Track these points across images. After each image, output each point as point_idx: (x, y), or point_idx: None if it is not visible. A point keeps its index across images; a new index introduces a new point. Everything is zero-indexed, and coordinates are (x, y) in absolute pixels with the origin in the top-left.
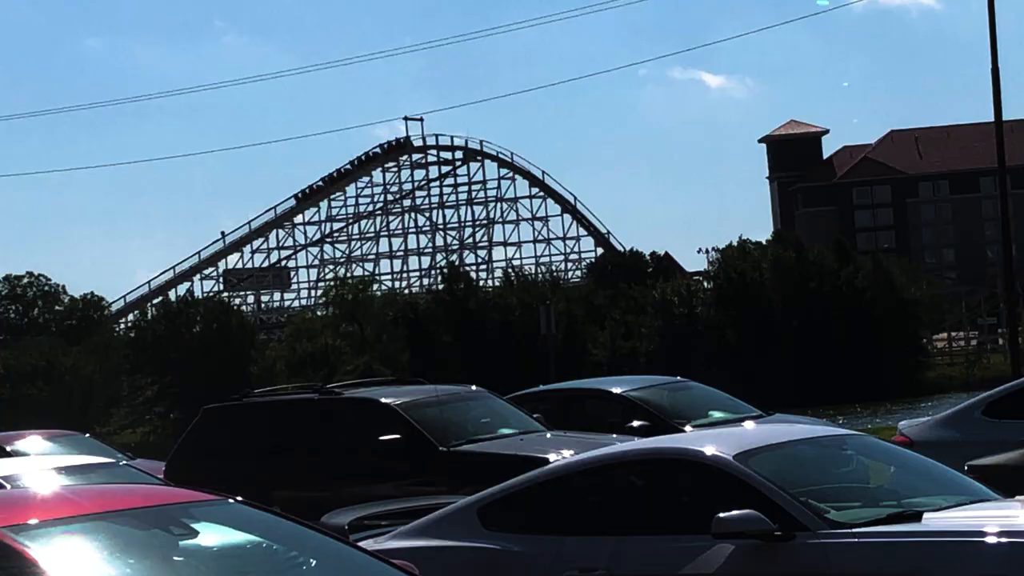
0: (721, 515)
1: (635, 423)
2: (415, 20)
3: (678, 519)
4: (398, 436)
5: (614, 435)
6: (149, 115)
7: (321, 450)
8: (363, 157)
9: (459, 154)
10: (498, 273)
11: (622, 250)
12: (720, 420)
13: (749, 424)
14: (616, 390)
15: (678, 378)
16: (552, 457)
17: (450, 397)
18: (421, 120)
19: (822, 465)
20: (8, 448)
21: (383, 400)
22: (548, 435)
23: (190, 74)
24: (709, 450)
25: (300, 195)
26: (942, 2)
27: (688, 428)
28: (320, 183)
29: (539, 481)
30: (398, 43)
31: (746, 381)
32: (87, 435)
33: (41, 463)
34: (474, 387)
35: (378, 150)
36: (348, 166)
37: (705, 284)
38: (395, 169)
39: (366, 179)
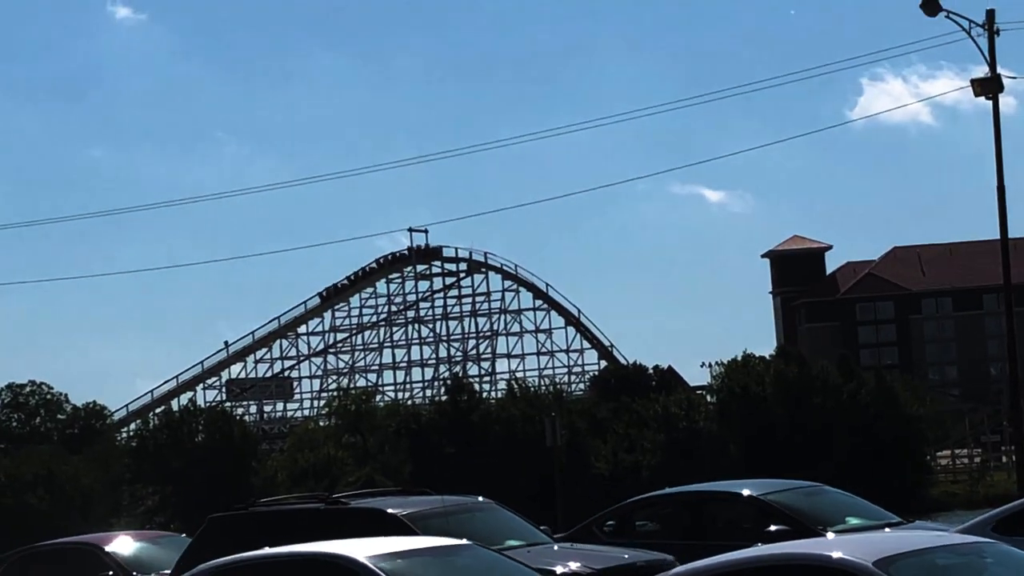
0: None
1: (773, 528)
2: (415, 133)
3: None
4: None
5: (623, 550)
6: (151, 224)
7: None
8: (368, 268)
9: (463, 265)
10: (502, 385)
11: (625, 363)
12: (859, 526)
13: (887, 531)
14: (747, 493)
15: (812, 483)
16: (559, 570)
17: (456, 508)
18: (426, 231)
19: (961, 574)
20: (106, 548)
21: (390, 511)
22: (555, 547)
23: (191, 184)
24: (848, 556)
25: (324, 293)
26: (940, 120)
27: (830, 534)
28: (324, 293)
29: None
30: (398, 155)
31: None
32: (183, 535)
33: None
34: (480, 498)
35: (381, 261)
36: (351, 277)
37: (708, 398)
38: (399, 280)
39: (370, 290)
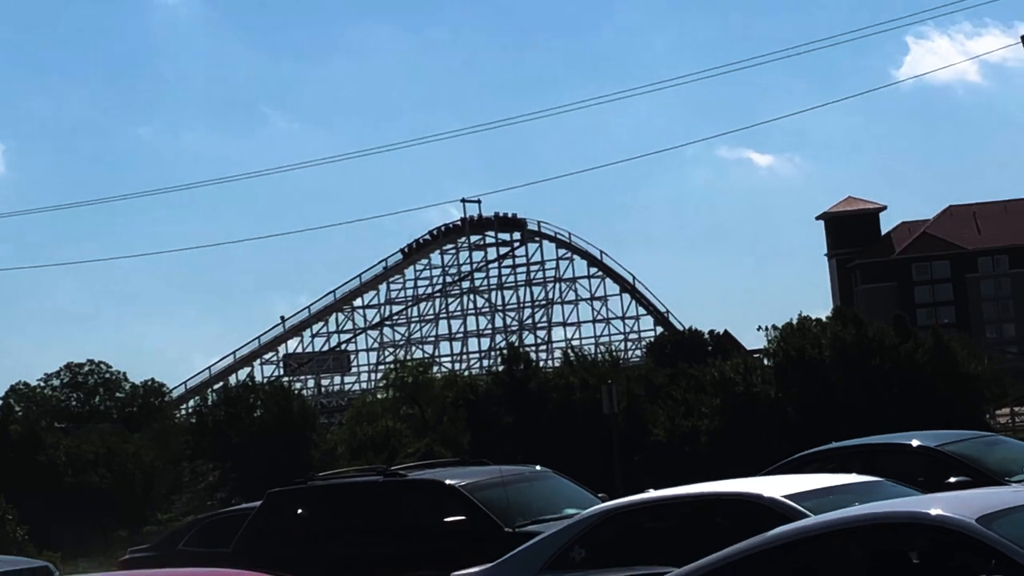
0: None
1: (953, 479)
2: (463, 104)
3: None
4: (464, 518)
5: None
6: (201, 201)
7: (386, 532)
8: (423, 239)
9: (517, 235)
10: (557, 354)
11: (681, 329)
12: None
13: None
14: (922, 444)
15: (987, 432)
16: None
17: (514, 478)
18: (479, 202)
19: None
20: None
21: (448, 482)
22: None
23: (239, 160)
24: (949, 513)
25: (406, 249)
26: (988, 79)
27: (1013, 485)
28: (406, 249)
29: (761, 548)
30: (446, 127)
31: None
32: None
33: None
34: (538, 467)
35: (435, 232)
36: (405, 250)
37: (765, 362)
38: (453, 251)
39: (424, 261)
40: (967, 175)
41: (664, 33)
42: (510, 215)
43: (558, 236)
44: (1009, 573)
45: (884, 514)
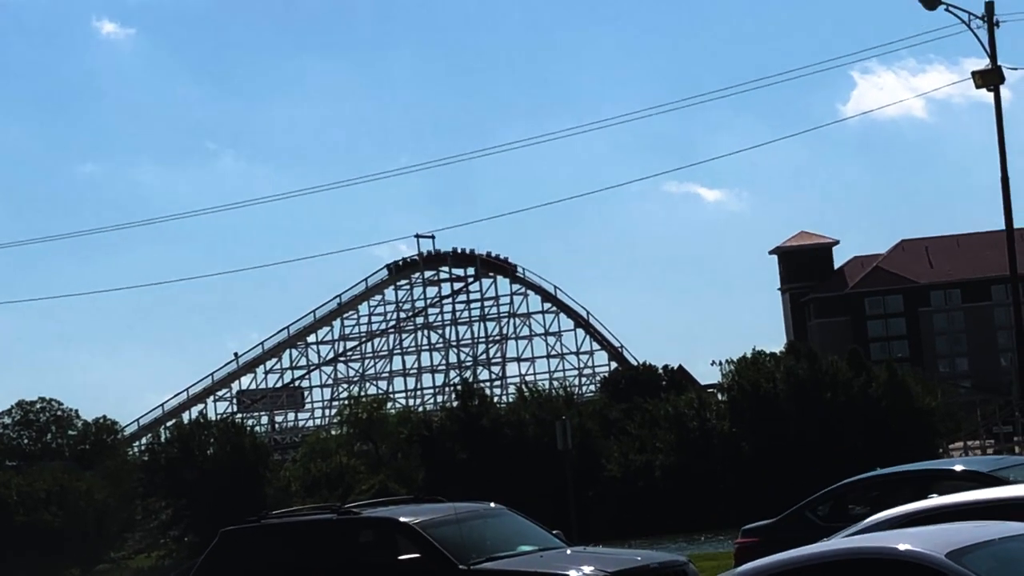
0: None
1: None
2: (411, 141)
3: None
4: (418, 555)
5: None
6: (152, 238)
7: (340, 570)
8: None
9: (471, 270)
10: (512, 389)
11: (636, 364)
12: None
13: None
14: (970, 469)
15: None
16: (573, 574)
17: (469, 515)
18: (432, 237)
19: None
20: None
21: (402, 519)
22: (568, 551)
23: (189, 197)
24: (918, 548)
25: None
26: (934, 115)
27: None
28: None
29: None
30: (394, 164)
31: (760, 492)
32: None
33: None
34: (492, 504)
35: (390, 267)
36: (362, 285)
37: (719, 396)
38: (407, 286)
39: (378, 297)
40: (918, 210)
41: (611, 70)
42: (467, 250)
43: (518, 273)
44: None
45: (855, 549)
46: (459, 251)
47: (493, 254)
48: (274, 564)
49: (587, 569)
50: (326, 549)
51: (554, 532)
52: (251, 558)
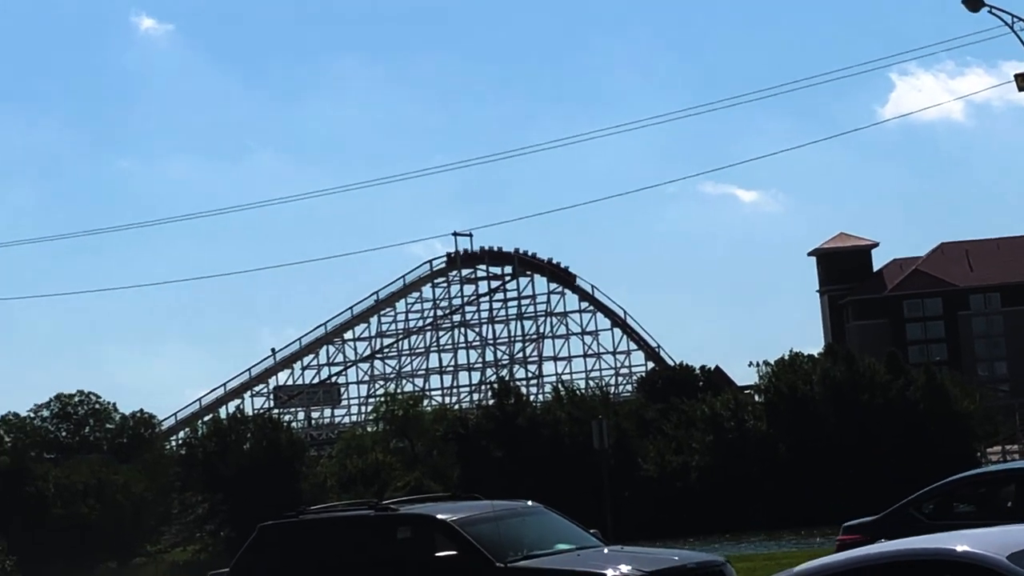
0: None
1: None
2: (445, 141)
3: None
4: (455, 552)
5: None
6: (191, 234)
7: (377, 566)
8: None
9: (508, 269)
10: (548, 388)
11: (672, 364)
12: None
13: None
14: None
15: None
16: (610, 573)
17: (506, 512)
18: (470, 235)
19: None
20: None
21: (439, 516)
22: (606, 550)
23: (225, 194)
24: (977, 549)
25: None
26: (972, 119)
27: None
28: (377, 295)
29: None
30: (429, 163)
31: (798, 495)
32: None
33: None
34: (530, 502)
35: (429, 266)
36: (400, 282)
37: (756, 398)
38: (444, 284)
39: (415, 294)
40: (958, 212)
41: (646, 70)
42: (516, 250)
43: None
44: None
45: (910, 551)
46: (497, 249)
47: (530, 253)
48: (311, 559)
49: (624, 568)
50: (363, 545)
51: (591, 531)
52: (289, 553)
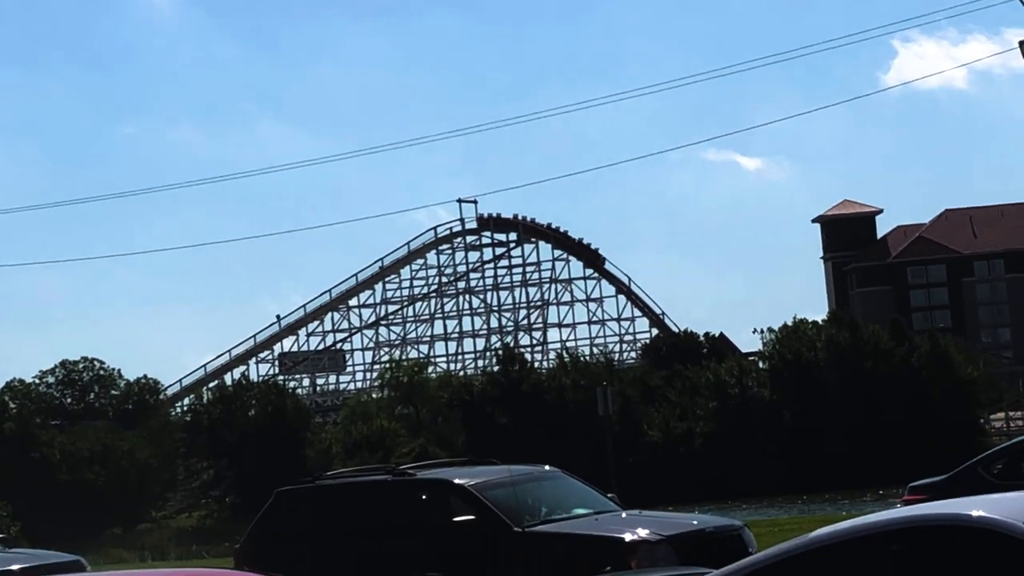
0: None
1: None
2: (451, 106)
3: None
4: (473, 517)
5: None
6: (196, 201)
7: (394, 532)
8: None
9: (513, 236)
10: (553, 355)
11: (677, 331)
12: None
13: None
14: None
15: None
16: (628, 537)
17: (524, 477)
18: (475, 202)
19: None
20: None
21: (457, 481)
22: (623, 514)
23: (230, 161)
24: (995, 517)
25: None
26: (975, 86)
27: None
28: (382, 262)
29: (801, 551)
30: (435, 129)
31: (801, 461)
32: None
33: None
34: (547, 467)
35: (433, 233)
36: (404, 249)
37: (760, 364)
38: (449, 251)
39: (420, 261)
40: (962, 179)
41: (651, 37)
42: (521, 217)
43: (556, 234)
44: None
45: (925, 516)
46: (501, 216)
47: (534, 220)
48: (328, 524)
49: (643, 532)
50: (380, 510)
51: (608, 495)
52: (305, 518)
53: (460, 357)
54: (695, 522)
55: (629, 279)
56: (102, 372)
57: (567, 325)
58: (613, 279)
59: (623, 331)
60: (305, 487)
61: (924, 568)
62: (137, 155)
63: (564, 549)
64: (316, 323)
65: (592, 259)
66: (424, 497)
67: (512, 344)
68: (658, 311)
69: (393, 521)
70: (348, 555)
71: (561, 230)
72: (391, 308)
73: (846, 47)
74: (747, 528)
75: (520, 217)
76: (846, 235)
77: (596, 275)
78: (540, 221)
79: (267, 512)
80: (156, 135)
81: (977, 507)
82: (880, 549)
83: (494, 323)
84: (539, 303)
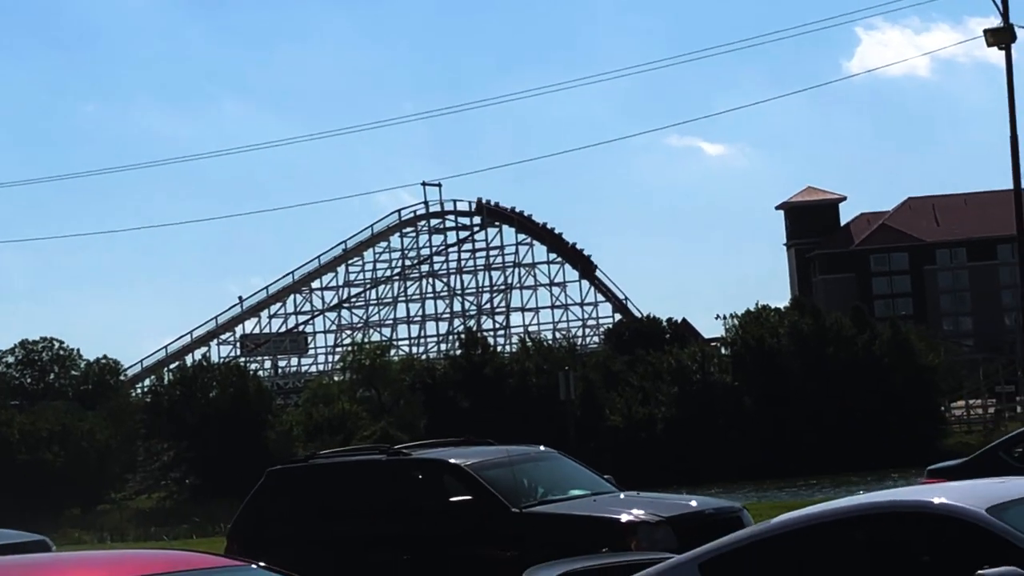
0: (984, 572)
1: None
2: (414, 89)
3: None
4: (469, 497)
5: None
6: (158, 181)
7: (389, 512)
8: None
9: (477, 219)
10: (516, 339)
11: (640, 316)
12: None
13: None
14: None
15: None
16: (624, 518)
17: (520, 458)
18: (439, 185)
19: None
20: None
21: (453, 461)
22: (621, 495)
23: (191, 141)
24: (957, 503)
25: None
26: (938, 74)
27: None
28: (345, 244)
29: (766, 535)
30: (398, 112)
31: (763, 447)
32: None
33: None
34: (543, 447)
35: (398, 215)
36: (368, 232)
37: (722, 350)
38: (413, 234)
39: (383, 244)
40: (925, 168)
41: (616, 22)
42: (485, 201)
43: (519, 218)
44: (1023, 565)
45: (890, 503)
46: (465, 200)
47: (498, 203)
48: (321, 504)
49: (641, 513)
50: (375, 490)
51: (605, 477)
52: (298, 498)
53: (423, 340)
54: (694, 503)
55: (593, 264)
56: (62, 352)
57: (530, 309)
58: (577, 264)
59: (586, 316)
60: (297, 466)
61: (887, 554)
62: (99, 135)
63: (562, 530)
64: (278, 305)
65: (556, 244)
66: (420, 477)
67: (475, 328)
68: (621, 296)
69: (388, 501)
70: (341, 535)
71: (525, 214)
72: (354, 291)
73: (810, 34)
74: (746, 510)
75: (484, 201)
76: (809, 222)
77: (559, 259)
78: (504, 205)
79: (258, 491)
80: (118, 115)
81: (939, 494)
82: (844, 534)
83: (457, 307)
84: (502, 287)
